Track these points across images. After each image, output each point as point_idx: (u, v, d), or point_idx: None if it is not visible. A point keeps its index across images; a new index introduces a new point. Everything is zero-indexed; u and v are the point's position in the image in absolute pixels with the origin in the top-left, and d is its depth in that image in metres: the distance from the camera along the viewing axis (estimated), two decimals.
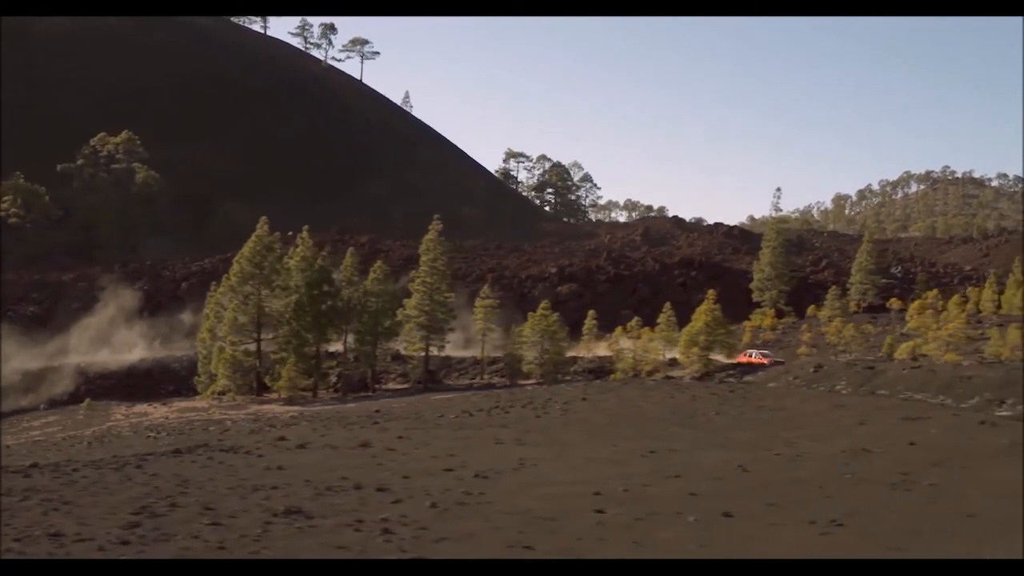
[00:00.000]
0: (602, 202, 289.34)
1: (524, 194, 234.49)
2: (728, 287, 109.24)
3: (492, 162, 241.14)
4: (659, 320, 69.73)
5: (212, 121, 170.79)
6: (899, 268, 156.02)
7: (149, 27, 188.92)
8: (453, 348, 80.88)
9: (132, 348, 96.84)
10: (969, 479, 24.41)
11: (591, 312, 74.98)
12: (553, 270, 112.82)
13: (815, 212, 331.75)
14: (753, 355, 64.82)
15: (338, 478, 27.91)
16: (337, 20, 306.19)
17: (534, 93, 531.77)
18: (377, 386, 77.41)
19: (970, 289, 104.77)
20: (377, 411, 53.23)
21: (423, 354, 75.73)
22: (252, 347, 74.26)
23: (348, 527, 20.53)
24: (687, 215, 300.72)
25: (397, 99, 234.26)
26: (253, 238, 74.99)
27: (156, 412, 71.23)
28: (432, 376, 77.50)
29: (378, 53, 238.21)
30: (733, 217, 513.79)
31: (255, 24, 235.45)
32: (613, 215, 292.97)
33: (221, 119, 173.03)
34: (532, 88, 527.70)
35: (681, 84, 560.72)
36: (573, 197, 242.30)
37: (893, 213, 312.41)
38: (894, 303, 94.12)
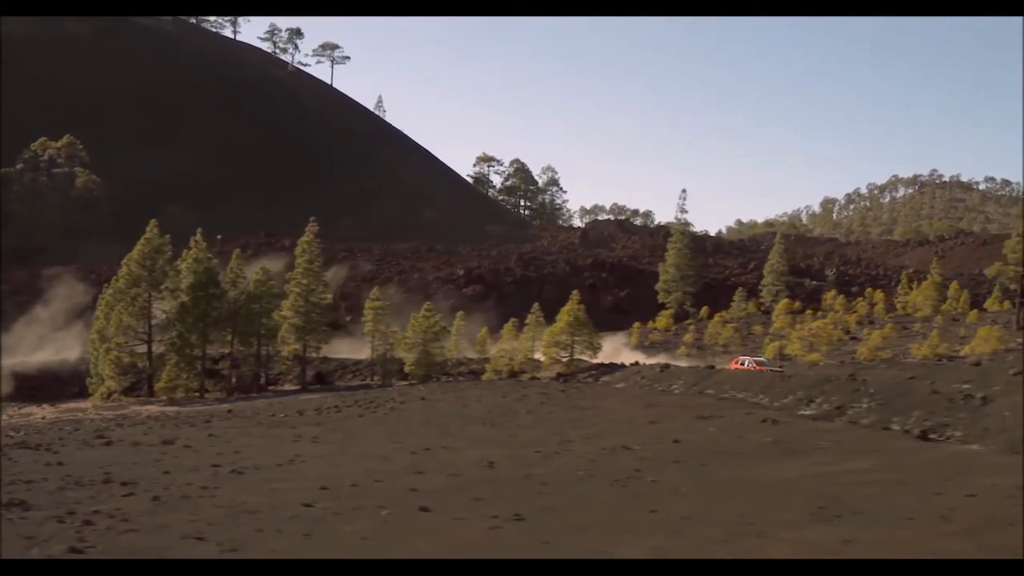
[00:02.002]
0: (588, 206, 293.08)
1: (499, 199, 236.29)
2: (640, 288, 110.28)
3: (474, 166, 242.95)
4: (527, 320, 69.92)
5: (170, 126, 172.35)
6: (834, 271, 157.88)
7: (111, 32, 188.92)
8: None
9: (64, 349, 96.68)
10: (693, 476, 24.63)
11: (460, 313, 75.16)
12: (461, 272, 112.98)
13: (804, 216, 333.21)
14: (746, 363, 57.06)
15: (101, 473, 28.04)
16: (311, 25, 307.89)
17: (523, 97, 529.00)
18: (272, 387, 77.14)
19: (870, 290, 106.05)
20: (230, 411, 53.20)
21: (314, 355, 75.67)
22: (141, 349, 73.93)
23: (54, 519, 20.63)
24: (673, 219, 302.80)
25: (370, 103, 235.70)
26: (142, 240, 74.87)
27: (39, 413, 70.71)
28: (321, 377, 77.41)
29: (348, 58, 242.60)
30: (721, 221, 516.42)
31: (225, 29, 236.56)
32: (600, 218, 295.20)
33: (180, 124, 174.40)
34: (521, 92, 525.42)
35: (671, 88, 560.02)
36: (540, 200, 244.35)
37: (880, 217, 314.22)
38: (786, 304, 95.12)
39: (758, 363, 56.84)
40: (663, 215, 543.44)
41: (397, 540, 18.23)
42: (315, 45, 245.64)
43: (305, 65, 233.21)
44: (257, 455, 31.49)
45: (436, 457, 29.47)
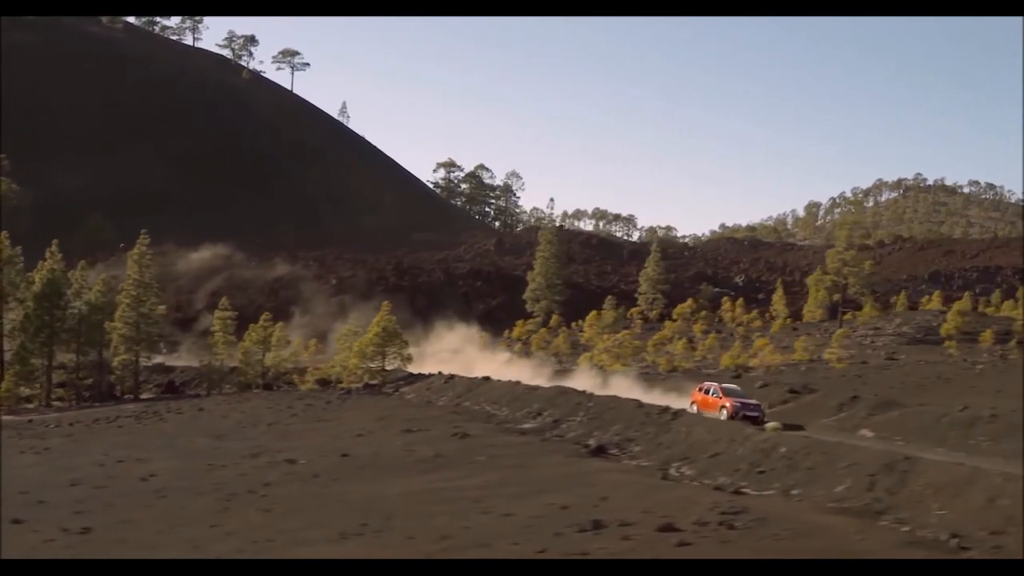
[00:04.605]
0: (571, 211, 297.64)
1: (466, 205, 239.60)
2: (517, 297, 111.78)
3: (435, 172, 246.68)
4: (344, 331, 71.17)
5: (115, 134, 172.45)
6: (743, 277, 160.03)
7: (59, 41, 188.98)
8: None
9: None
10: (307, 492, 26.20)
11: (279, 324, 76.12)
12: (334, 281, 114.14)
13: (789, 220, 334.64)
14: (711, 391, 41.63)
15: None
16: (276, 31, 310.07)
17: (508, 100, 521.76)
18: (129, 395, 77.38)
19: (726, 299, 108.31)
20: (30, 421, 54.10)
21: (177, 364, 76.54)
22: None
23: None
24: (660, 223, 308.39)
25: (336, 110, 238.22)
26: None
27: None
28: (172, 386, 78.23)
29: (308, 64, 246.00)
30: (705, 225, 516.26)
31: (186, 37, 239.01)
32: (579, 223, 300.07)
33: (126, 132, 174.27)
34: (505, 94, 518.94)
35: (658, 91, 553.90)
36: (496, 206, 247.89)
37: (862, 221, 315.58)
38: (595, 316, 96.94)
39: (726, 393, 41.14)
40: (647, 219, 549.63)
41: None
42: (275, 52, 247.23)
43: (262, 72, 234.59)
44: None
45: (116, 469, 31.01)
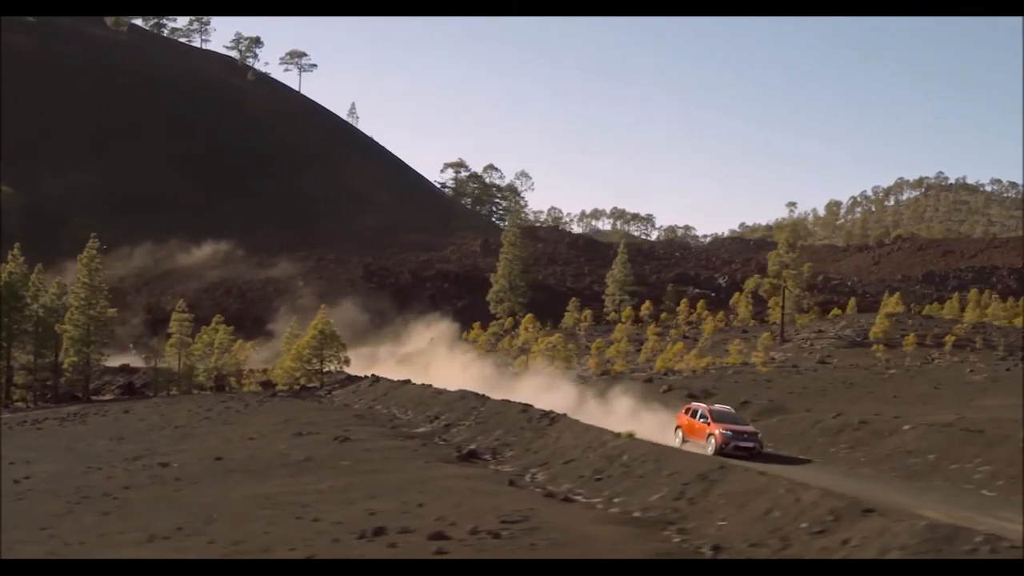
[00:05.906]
0: (588, 210, 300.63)
1: (475, 207, 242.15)
2: (484, 298, 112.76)
3: (442, 172, 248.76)
4: (285, 334, 72.70)
5: (114, 137, 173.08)
6: (727, 278, 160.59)
7: (59, 44, 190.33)
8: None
9: None
10: (156, 496, 27.66)
11: (223, 327, 77.22)
12: (300, 283, 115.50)
13: (810, 220, 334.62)
14: (698, 415, 34.51)
15: None
16: (284, 32, 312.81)
17: (524, 99, 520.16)
18: (96, 395, 78.61)
19: (684, 302, 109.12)
20: None
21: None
22: None
23: None
24: (680, 223, 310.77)
25: (343, 111, 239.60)
26: None
27: None
28: (132, 387, 79.64)
29: (315, 65, 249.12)
30: (725, 225, 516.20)
31: (194, 40, 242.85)
32: (596, 223, 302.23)
33: (124, 134, 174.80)
34: (522, 94, 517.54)
35: (678, 91, 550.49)
36: (503, 206, 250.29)
37: (883, 220, 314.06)
38: (587, 314, 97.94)
39: (716, 418, 33.78)
40: (667, 219, 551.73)
41: None
42: (283, 53, 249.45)
43: (269, 74, 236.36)
44: None
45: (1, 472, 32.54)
